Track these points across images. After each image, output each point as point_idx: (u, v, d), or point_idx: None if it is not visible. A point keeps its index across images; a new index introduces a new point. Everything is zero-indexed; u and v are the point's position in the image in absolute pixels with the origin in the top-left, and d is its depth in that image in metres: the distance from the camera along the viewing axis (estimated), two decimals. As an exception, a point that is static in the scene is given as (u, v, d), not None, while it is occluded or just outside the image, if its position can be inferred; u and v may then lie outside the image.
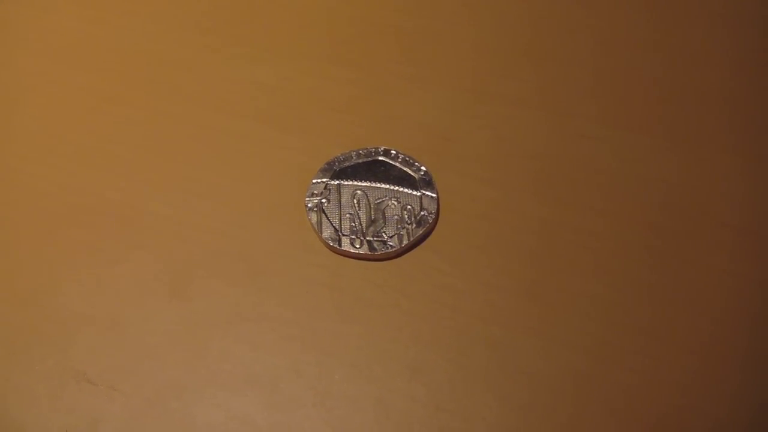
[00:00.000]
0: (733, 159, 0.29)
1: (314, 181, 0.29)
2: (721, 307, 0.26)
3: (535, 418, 0.24)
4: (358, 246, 0.27)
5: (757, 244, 0.27)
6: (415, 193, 0.28)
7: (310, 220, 0.28)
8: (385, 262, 0.27)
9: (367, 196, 0.28)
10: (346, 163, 0.29)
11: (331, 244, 0.27)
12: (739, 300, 0.26)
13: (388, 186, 0.28)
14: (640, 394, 0.25)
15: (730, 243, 0.27)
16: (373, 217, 0.28)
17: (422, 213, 0.28)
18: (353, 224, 0.28)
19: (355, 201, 0.28)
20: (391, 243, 0.27)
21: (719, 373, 0.25)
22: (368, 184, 0.28)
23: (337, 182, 0.29)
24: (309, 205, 0.28)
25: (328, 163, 0.29)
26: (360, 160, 0.29)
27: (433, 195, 0.28)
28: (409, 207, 0.28)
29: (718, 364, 0.25)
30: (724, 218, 0.28)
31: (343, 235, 0.27)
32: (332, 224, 0.28)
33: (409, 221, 0.28)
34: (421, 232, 0.27)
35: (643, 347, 0.25)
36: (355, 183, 0.29)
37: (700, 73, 0.32)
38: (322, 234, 0.27)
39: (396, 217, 0.28)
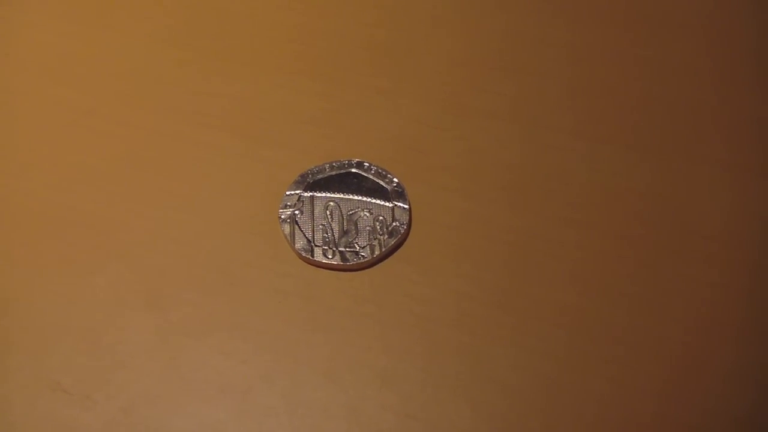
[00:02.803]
0: (708, 170, 0.30)
1: (288, 193, 0.29)
2: (696, 317, 0.26)
3: (507, 426, 0.25)
4: (330, 257, 0.27)
5: (731, 254, 0.28)
6: (387, 204, 0.29)
7: (283, 231, 0.28)
8: (357, 273, 0.28)
9: (339, 208, 0.29)
10: (320, 175, 0.29)
11: (304, 254, 0.28)
12: (714, 310, 0.27)
13: (360, 197, 0.29)
14: (614, 402, 0.25)
15: (704, 253, 0.28)
16: (345, 228, 0.28)
17: (394, 224, 0.28)
18: (326, 235, 0.28)
19: (327, 212, 0.29)
20: (363, 253, 0.28)
21: (695, 382, 0.25)
22: (341, 195, 0.29)
23: (310, 194, 0.29)
24: (282, 216, 0.28)
25: (302, 176, 0.29)
26: (333, 173, 0.30)
27: (405, 206, 0.29)
28: (381, 218, 0.28)
29: (693, 373, 0.25)
30: (698, 228, 0.28)
31: (316, 245, 0.28)
32: (305, 235, 0.28)
33: (381, 232, 0.28)
34: (393, 242, 0.28)
35: (617, 356, 0.26)
36: (328, 195, 0.29)
37: (675, 85, 0.32)
38: (295, 245, 0.28)
39: (368, 228, 0.28)
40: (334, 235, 0.28)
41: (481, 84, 0.33)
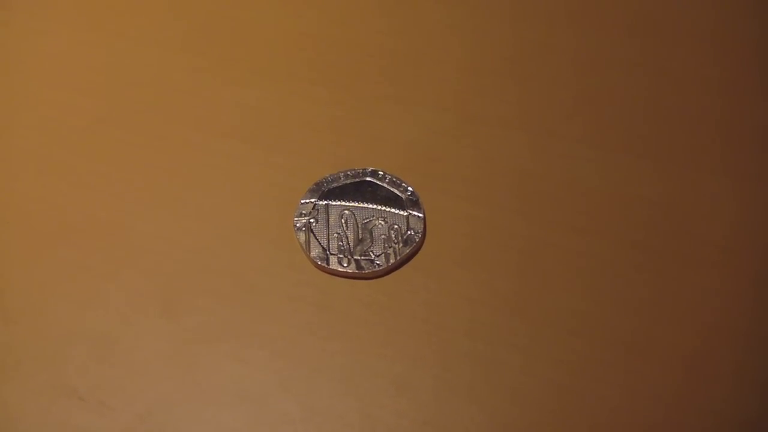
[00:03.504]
0: (716, 178, 0.30)
1: (303, 201, 0.29)
2: (705, 324, 0.26)
3: (520, 433, 0.25)
4: (345, 265, 0.28)
5: (738, 262, 0.28)
6: (402, 213, 0.29)
7: (298, 239, 0.28)
8: (372, 281, 0.28)
9: (354, 216, 0.29)
10: (334, 184, 0.30)
11: (319, 262, 0.28)
12: (723, 317, 0.27)
13: (375, 206, 0.29)
14: (626, 409, 0.25)
15: (713, 261, 0.28)
16: (360, 237, 0.28)
17: (409, 232, 0.28)
18: (341, 243, 0.28)
19: (342, 221, 0.29)
20: (378, 262, 0.28)
21: (705, 388, 0.25)
22: (356, 204, 0.29)
23: (325, 202, 0.29)
24: (297, 224, 0.29)
25: (317, 184, 0.30)
26: (348, 181, 0.30)
27: (420, 215, 0.29)
28: (396, 226, 0.28)
29: (703, 380, 0.25)
30: (706, 236, 0.28)
31: (331, 254, 0.28)
32: (320, 243, 0.28)
33: (396, 240, 0.28)
34: (407, 251, 0.28)
35: (628, 363, 0.26)
36: (343, 203, 0.29)
37: (683, 94, 0.33)
38: (310, 253, 0.28)
39: (383, 236, 0.28)
40: (349, 244, 0.28)
41: (493, 92, 0.33)
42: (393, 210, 0.29)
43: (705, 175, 0.30)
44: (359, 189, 0.29)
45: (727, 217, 0.29)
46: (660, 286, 0.27)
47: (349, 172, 0.30)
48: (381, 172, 0.30)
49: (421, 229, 0.28)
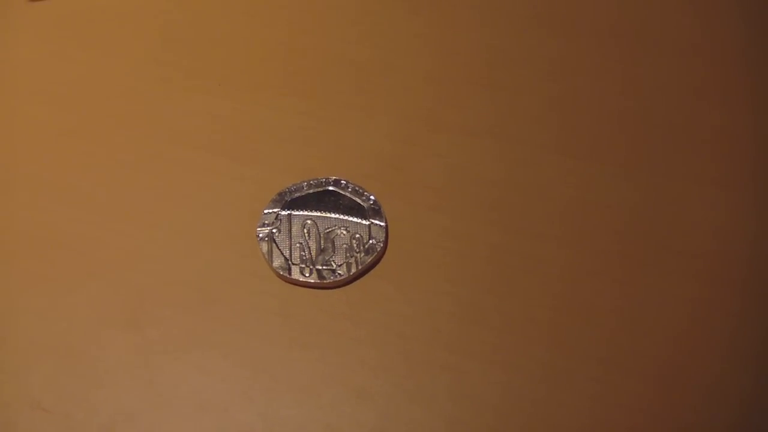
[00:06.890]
0: (688, 186, 0.30)
1: (265, 211, 0.29)
2: (682, 334, 0.27)
3: (481, 440, 0.25)
4: (307, 275, 0.28)
5: (714, 271, 0.28)
6: (364, 222, 0.29)
7: (261, 249, 0.29)
8: (334, 290, 0.28)
9: (317, 226, 0.29)
10: (297, 194, 0.30)
11: (282, 273, 0.28)
12: (700, 326, 0.27)
13: (337, 215, 0.29)
14: (595, 421, 0.25)
15: (687, 270, 0.28)
16: (322, 246, 0.29)
17: (371, 241, 0.29)
18: (303, 253, 0.28)
19: (305, 231, 0.29)
20: (339, 271, 0.28)
21: (678, 399, 0.25)
22: (318, 213, 0.29)
23: (288, 212, 0.29)
24: (260, 234, 0.29)
25: (280, 194, 0.30)
26: (310, 191, 0.30)
27: (382, 224, 0.29)
28: (357, 236, 0.29)
29: (676, 391, 0.25)
30: (677, 245, 0.29)
31: (293, 264, 0.28)
32: (283, 254, 0.28)
33: (357, 250, 0.28)
34: (369, 260, 0.28)
35: (597, 374, 0.26)
36: (306, 213, 0.29)
37: (655, 101, 0.33)
38: (272, 263, 0.28)
39: (345, 245, 0.28)
40: (311, 253, 0.28)
41: (460, 101, 0.33)
42: (355, 219, 0.29)
43: (677, 183, 0.30)
44: (322, 199, 0.30)
45: (701, 224, 0.29)
46: (631, 295, 0.28)
47: (312, 182, 0.30)
48: (344, 182, 0.30)
49: (383, 238, 0.29)
